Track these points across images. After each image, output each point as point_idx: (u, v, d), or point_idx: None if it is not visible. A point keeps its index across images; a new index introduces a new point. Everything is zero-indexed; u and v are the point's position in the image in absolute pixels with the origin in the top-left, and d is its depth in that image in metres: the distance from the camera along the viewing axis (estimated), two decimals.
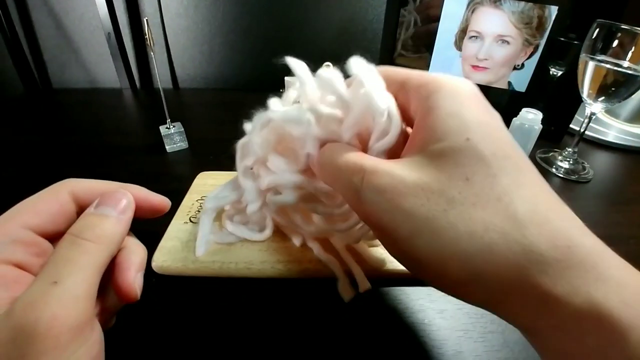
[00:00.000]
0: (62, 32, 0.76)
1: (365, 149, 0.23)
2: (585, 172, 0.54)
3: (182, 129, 0.53)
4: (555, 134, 0.62)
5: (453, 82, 0.19)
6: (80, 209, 0.21)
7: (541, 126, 0.50)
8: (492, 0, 0.55)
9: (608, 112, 0.73)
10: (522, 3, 0.54)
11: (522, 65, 0.58)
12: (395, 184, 0.18)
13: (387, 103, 0.21)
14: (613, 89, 0.45)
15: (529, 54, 0.57)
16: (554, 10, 0.53)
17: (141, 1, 0.74)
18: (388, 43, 0.64)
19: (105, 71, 0.80)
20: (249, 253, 0.33)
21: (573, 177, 0.52)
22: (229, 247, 0.33)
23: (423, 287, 0.32)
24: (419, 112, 0.20)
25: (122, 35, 0.75)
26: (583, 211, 0.43)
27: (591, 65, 0.46)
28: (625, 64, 0.44)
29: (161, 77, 0.81)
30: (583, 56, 0.47)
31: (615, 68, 0.44)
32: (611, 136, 0.66)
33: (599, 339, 0.14)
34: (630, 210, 0.46)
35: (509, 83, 0.60)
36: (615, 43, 0.44)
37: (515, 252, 0.15)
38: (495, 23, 0.56)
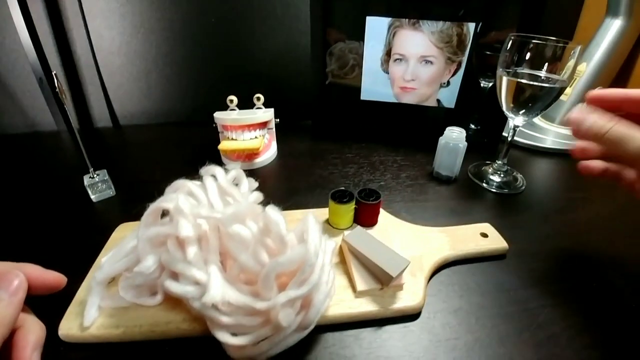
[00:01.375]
0: None
1: (283, 286, 0.27)
2: (517, 183, 0.54)
3: (107, 177, 0.51)
4: (489, 146, 0.62)
5: None
6: None
7: (466, 143, 0.51)
8: (410, 22, 0.55)
9: (543, 116, 0.74)
10: (440, 23, 0.55)
11: (448, 82, 0.59)
12: None
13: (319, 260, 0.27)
14: (530, 102, 0.46)
15: (453, 71, 0.58)
16: (472, 27, 0.55)
17: (72, 43, 0.72)
18: (318, 71, 0.64)
19: (42, 115, 0.78)
20: (153, 314, 0.31)
21: (505, 191, 0.52)
22: (126, 311, 0.32)
23: (334, 332, 0.32)
24: None
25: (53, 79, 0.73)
26: (514, 225, 0.44)
27: (505, 80, 0.46)
28: (543, 74, 0.44)
29: (100, 117, 0.80)
30: (499, 71, 0.48)
31: (531, 82, 0.45)
32: (549, 141, 0.68)
33: None
34: (560, 221, 0.47)
35: (438, 101, 0.61)
36: (529, 55, 0.44)
37: None
38: (416, 44, 0.57)
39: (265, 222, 0.29)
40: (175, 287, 0.27)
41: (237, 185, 0.39)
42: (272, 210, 0.28)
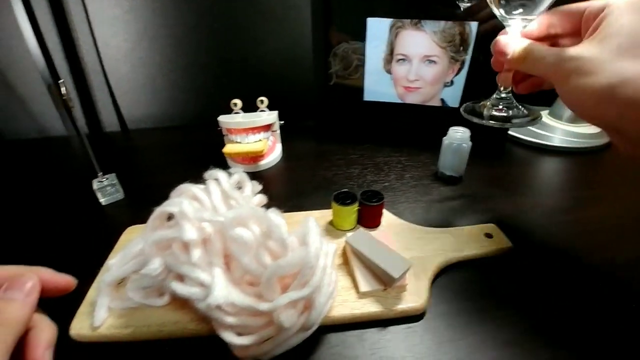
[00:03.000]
0: (6, 85, 0.76)
1: (286, 286, 0.28)
2: (521, 113, 0.37)
3: (116, 181, 0.52)
4: (495, 145, 0.62)
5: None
6: None
7: (470, 143, 0.51)
8: (412, 22, 0.55)
9: (550, 114, 0.74)
10: (442, 22, 0.55)
11: (452, 82, 0.59)
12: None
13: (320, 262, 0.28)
14: None
15: (456, 70, 0.58)
16: (474, 26, 0.54)
17: (80, 50, 0.74)
18: (320, 73, 0.64)
19: (53, 120, 0.80)
20: (161, 314, 0.32)
21: (508, 125, 0.37)
22: (135, 312, 0.32)
23: (337, 332, 0.32)
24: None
25: (61, 86, 0.75)
26: (520, 225, 0.44)
27: None
28: None
29: (110, 122, 0.82)
30: None
31: None
32: (556, 140, 0.67)
33: None
34: (567, 220, 0.46)
35: (442, 100, 0.61)
36: None
37: None
38: (419, 44, 0.57)
39: (267, 225, 0.29)
40: (180, 289, 0.28)
41: (240, 188, 0.40)
42: (274, 214, 0.29)
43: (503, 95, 0.37)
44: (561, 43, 0.33)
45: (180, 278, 0.30)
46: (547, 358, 0.30)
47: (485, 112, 0.37)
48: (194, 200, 0.35)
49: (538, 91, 0.37)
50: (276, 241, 0.29)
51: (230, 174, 0.38)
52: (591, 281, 0.37)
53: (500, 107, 0.37)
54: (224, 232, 0.30)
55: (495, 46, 0.33)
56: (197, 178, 0.39)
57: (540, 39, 0.32)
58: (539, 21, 0.32)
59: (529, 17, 0.31)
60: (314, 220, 0.30)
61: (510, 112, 0.36)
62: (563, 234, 0.44)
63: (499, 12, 0.32)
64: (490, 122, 0.36)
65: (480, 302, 0.35)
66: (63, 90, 0.45)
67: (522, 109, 0.37)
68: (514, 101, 0.37)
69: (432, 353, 0.30)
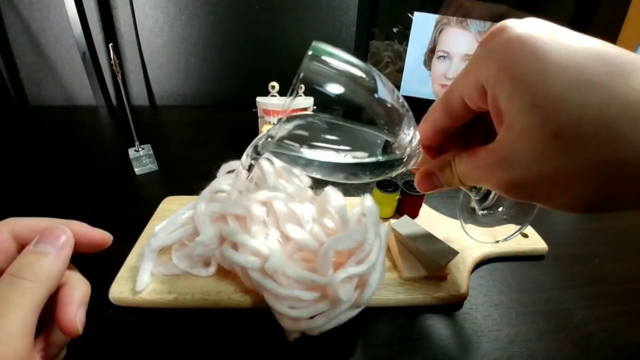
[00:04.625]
0: (39, 51, 0.76)
1: (336, 266, 0.28)
2: None
3: (151, 152, 0.53)
4: None
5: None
6: (21, 247, 0.21)
7: None
8: (458, 20, 0.56)
9: None
10: (488, 23, 0.55)
11: None
12: None
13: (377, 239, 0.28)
14: None
15: None
16: None
17: (116, 20, 0.74)
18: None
19: (81, 89, 0.80)
20: (204, 283, 0.33)
21: None
22: (178, 279, 0.33)
23: (378, 314, 0.32)
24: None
25: (98, 54, 0.75)
26: (551, 229, 0.44)
27: None
28: None
29: (138, 95, 0.82)
30: None
31: None
32: None
33: None
34: (592, 228, 0.47)
35: None
36: None
37: None
38: (462, 43, 0.57)
39: (324, 202, 0.30)
40: (236, 256, 0.29)
41: (289, 169, 0.40)
42: (332, 190, 0.29)
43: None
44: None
45: (235, 247, 0.30)
46: (578, 353, 0.30)
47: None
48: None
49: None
50: (334, 217, 0.29)
51: None
52: (621, 285, 0.38)
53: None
54: (279, 209, 0.31)
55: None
56: (230, 157, 0.39)
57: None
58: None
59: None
60: (371, 198, 0.30)
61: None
62: (593, 239, 0.45)
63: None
64: None
65: (515, 297, 0.35)
66: (112, 54, 0.45)
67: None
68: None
69: (471, 342, 0.31)
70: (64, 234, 0.21)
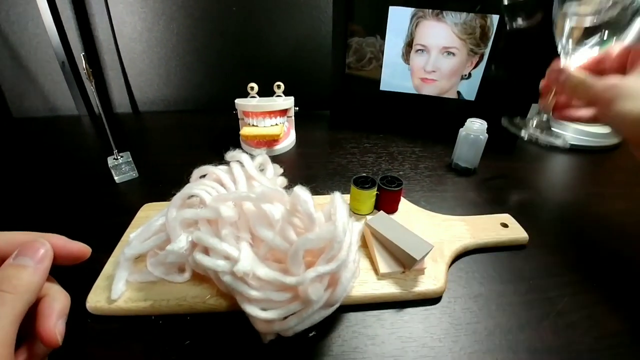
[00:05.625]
0: (19, 63, 0.76)
1: (308, 266, 0.28)
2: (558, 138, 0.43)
3: (130, 159, 0.52)
4: (507, 141, 0.62)
5: None
6: (1, 260, 0.22)
7: (487, 135, 0.51)
8: (434, 13, 0.55)
9: None
10: (464, 14, 0.55)
11: (470, 74, 0.59)
12: None
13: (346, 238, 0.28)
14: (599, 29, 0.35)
15: (475, 63, 0.58)
16: (495, 19, 0.54)
17: (94, 28, 0.73)
18: (339, 61, 0.64)
19: (63, 99, 0.79)
20: (180, 289, 0.32)
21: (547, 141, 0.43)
22: (154, 286, 0.33)
23: (357, 312, 0.32)
24: None
25: (77, 63, 0.75)
26: (532, 218, 0.43)
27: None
28: None
29: (120, 102, 0.81)
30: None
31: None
32: (567, 137, 0.67)
33: None
34: (575, 216, 0.47)
35: (459, 93, 0.61)
36: None
37: None
38: (439, 35, 0.56)
39: (293, 201, 0.29)
40: (207, 261, 0.28)
41: (262, 171, 0.40)
42: (301, 190, 0.29)
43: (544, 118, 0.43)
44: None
45: (206, 252, 0.30)
46: (561, 342, 0.30)
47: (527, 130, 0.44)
48: (217, 182, 0.36)
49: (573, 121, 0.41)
50: (303, 217, 0.29)
51: (253, 156, 0.38)
52: (604, 272, 0.38)
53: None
54: (249, 210, 0.31)
55: (551, 73, 0.37)
56: (212, 161, 0.39)
57: (589, 70, 0.36)
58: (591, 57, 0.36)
59: (618, 42, 0.34)
60: (340, 196, 0.30)
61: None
62: (575, 228, 0.44)
63: (567, 44, 0.36)
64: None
65: (495, 288, 0.35)
66: (84, 64, 0.45)
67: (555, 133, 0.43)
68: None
69: (450, 334, 0.31)
70: (42, 247, 0.22)
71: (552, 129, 0.44)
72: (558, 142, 0.43)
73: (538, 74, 0.40)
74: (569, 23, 0.36)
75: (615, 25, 0.33)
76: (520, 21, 0.53)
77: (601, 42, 0.35)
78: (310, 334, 0.30)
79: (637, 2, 0.32)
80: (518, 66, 0.56)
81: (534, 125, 0.44)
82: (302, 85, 0.70)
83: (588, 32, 0.35)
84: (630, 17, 0.33)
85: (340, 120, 0.71)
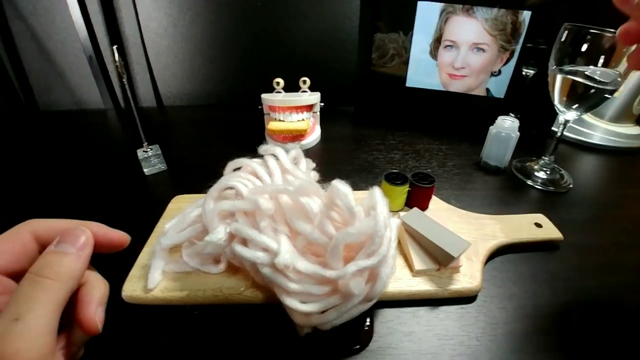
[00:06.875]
0: (46, 56, 0.77)
1: (346, 260, 0.28)
2: (564, 181, 0.52)
3: (159, 152, 0.53)
4: (537, 139, 0.61)
5: None
6: (42, 247, 0.22)
7: (518, 133, 0.50)
8: (464, 8, 0.54)
9: (592, 112, 0.72)
10: (495, 10, 0.54)
11: (499, 71, 0.58)
12: None
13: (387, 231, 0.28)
14: (583, 99, 0.44)
15: (505, 60, 0.57)
16: (527, 15, 0.53)
17: (121, 23, 0.74)
18: (364, 57, 0.64)
19: (89, 93, 0.81)
20: (215, 280, 0.33)
21: (551, 189, 0.50)
22: (189, 276, 0.33)
23: (391, 308, 0.32)
24: None
25: (104, 57, 0.76)
26: (565, 219, 0.43)
27: (559, 77, 0.44)
28: (598, 70, 0.42)
29: (145, 97, 0.82)
30: (552, 68, 0.45)
31: (584, 81, 0.42)
32: (596, 138, 0.66)
33: None
34: (609, 217, 0.46)
35: (488, 90, 0.60)
36: (585, 47, 0.42)
37: None
38: (469, 31, 0.56)
39: (332, 195, 0.29)
40: (246, 252, 0.28)
41: (295, 165, 0.40)
42: (340, 183, 0.29)
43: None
44: None
45: (244, 243, 0.30)
46: (600, 344, 0.30)
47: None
48: (253, 174, 0.36)
49: None
50: (342, 210, 0.29)
51: (287, 150, 0.39)
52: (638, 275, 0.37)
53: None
54: (287, 203, 0.31)
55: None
56: (237, 154, 0.39)
57: None
58: None
59: None
60: (380, 191, 0.30)
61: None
62: (609, 228, 0.43)
63: None
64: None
65: (531, 289, 0.35)
66: (116, 56, 0.45)
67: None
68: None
69: (487, 334, 0.30)
70: (83, 235, 0.22)
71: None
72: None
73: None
74: None
75: None
76: None
77: None
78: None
79: None
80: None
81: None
82: (325, 81, 0.69)
83: None
84: None
85: (365, 116, 0.70)
